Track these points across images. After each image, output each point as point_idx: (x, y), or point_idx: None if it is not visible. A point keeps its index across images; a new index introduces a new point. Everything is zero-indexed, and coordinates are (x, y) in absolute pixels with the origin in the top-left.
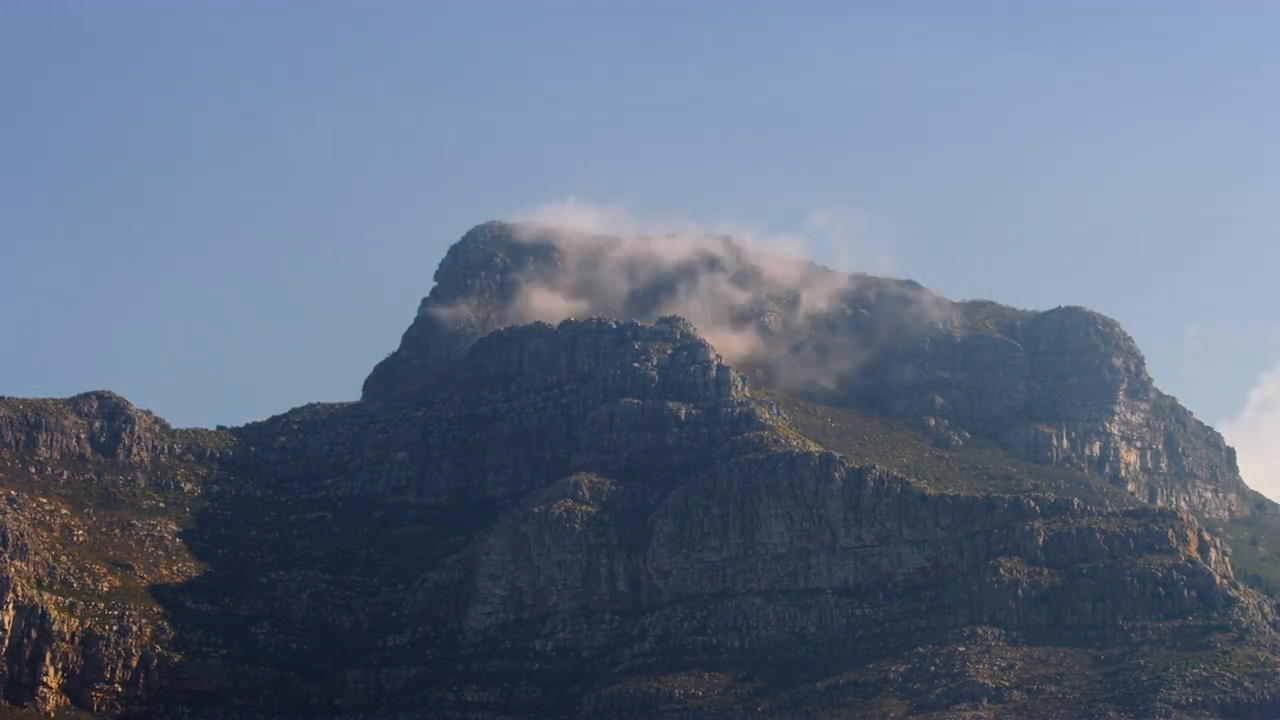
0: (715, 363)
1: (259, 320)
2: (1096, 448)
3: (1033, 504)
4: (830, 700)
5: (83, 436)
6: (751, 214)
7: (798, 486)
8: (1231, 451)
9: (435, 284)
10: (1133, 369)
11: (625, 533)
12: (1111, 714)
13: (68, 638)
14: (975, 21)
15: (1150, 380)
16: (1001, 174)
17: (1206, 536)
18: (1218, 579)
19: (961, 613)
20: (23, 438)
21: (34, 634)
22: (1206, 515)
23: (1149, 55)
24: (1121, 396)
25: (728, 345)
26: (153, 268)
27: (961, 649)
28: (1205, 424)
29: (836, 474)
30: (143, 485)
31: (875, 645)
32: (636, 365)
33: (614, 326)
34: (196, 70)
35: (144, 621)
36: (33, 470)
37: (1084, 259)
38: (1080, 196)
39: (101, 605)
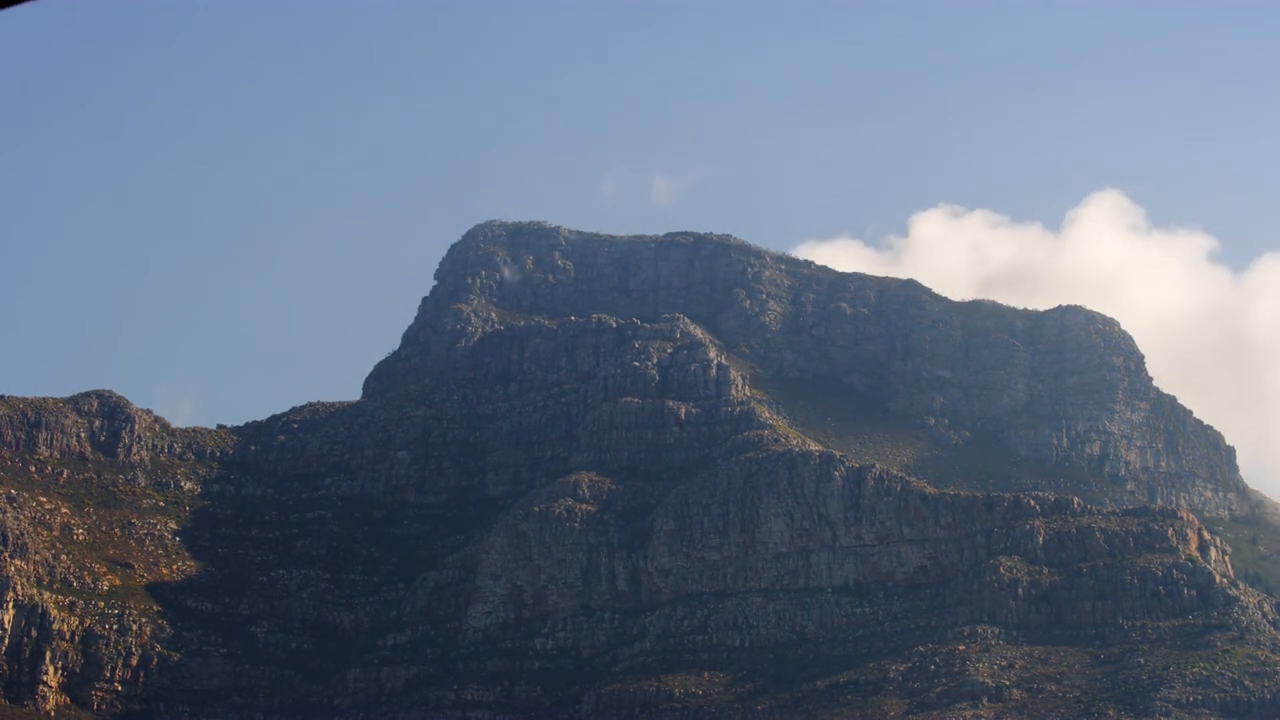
0: (715, 361)
1: (259, 320)
2: (1096, 447)
3: (1033, 503)
4: (830, 699)
5: (83, 435)
6: (751, 213)
7: (798, 486)
8: (1231, 451)
9: (435, 284)
10: (1133, 368)
11: (625, 532)
12: (1111, 713)
13: (68, 637)
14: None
15: (1150, 380)
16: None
17: (1206, 536)
18: (1217, 578)
19: (961, 612)
20: (23, 437)
21: (34, 633)
22: (1206, 515)
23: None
24: (1121, 396)
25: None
26: (153, 267)
27: (961, 648)
28: (1205, 423)
29: (836, 473)
30: (143, 484)
31: (875, 644)
32: (636, 364)
33: (614, 326)
34: (197, 70)
35: (144, 620)
36: (33, 469)
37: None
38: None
39: (101, 604)
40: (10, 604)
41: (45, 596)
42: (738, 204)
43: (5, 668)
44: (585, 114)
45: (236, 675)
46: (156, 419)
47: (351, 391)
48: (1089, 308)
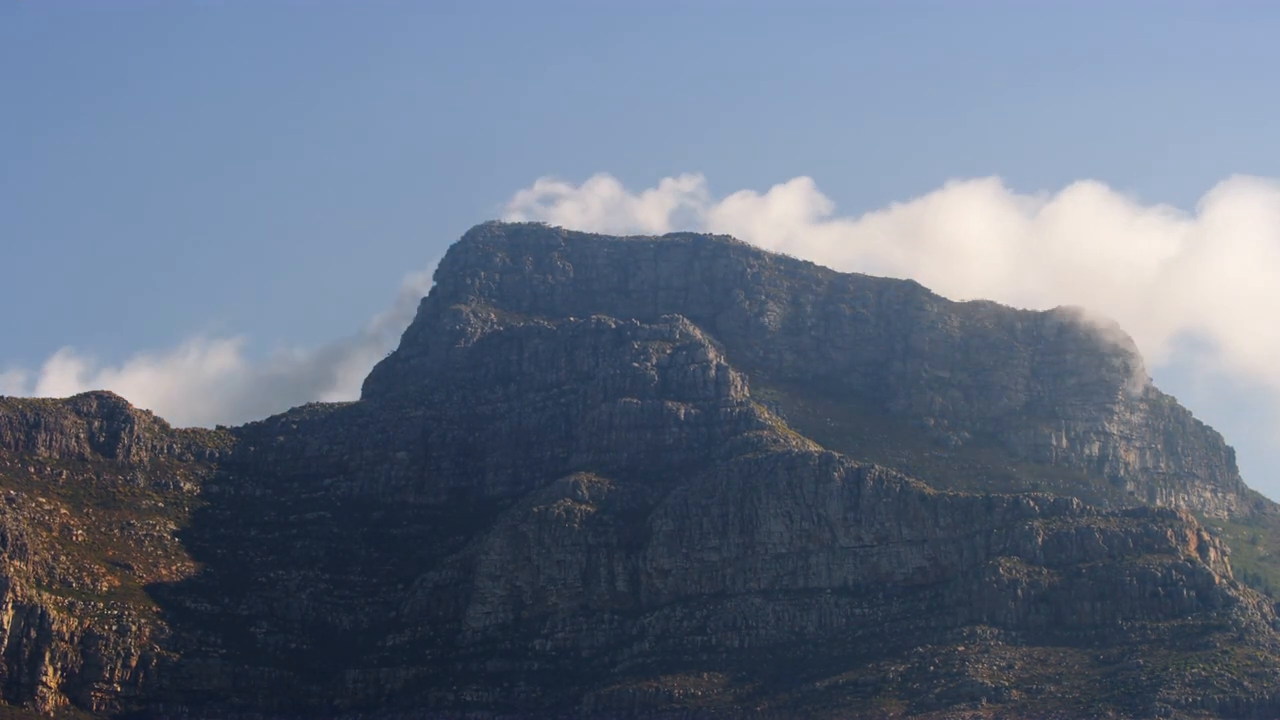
0: (715, 362)
1: (258, 320)
2: (1096, 448)
3: (1032, 504)
4: (830, 700)
5: (82, 436)
6: (749, 214)
7: (797, 486)
8: (1231, 451)
9: (435, 284)
10: (1133, 369)
11: (625, 532)
12: (1111, 714)
13: (67, 637)
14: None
15: (1150, 380)
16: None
17: (1206, 536)
18: (1217, 579)
19: (961, 612)
20: (22, 438)
21: (33, 634)
22: (1206, 515)
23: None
24: (1121, 396)
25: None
26: (152, 267)
27: (961, 649)
28: (1205, 424)
29: (836, 474)
30: (142, 485)
31: (875, 645)
32: (636, 365)
33: (613, 326)
34: (194, 69)
35: (143, 621)
36: (32, 470)
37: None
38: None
39: (100, 605)
40: (9, 605)
41: (44, 597)
42: (741, 201)
43: (4, 668)
44: (584, 114)
45: (236, 676)
46: (156, 419)
47: (351, 392)
48: (1089, 308)
